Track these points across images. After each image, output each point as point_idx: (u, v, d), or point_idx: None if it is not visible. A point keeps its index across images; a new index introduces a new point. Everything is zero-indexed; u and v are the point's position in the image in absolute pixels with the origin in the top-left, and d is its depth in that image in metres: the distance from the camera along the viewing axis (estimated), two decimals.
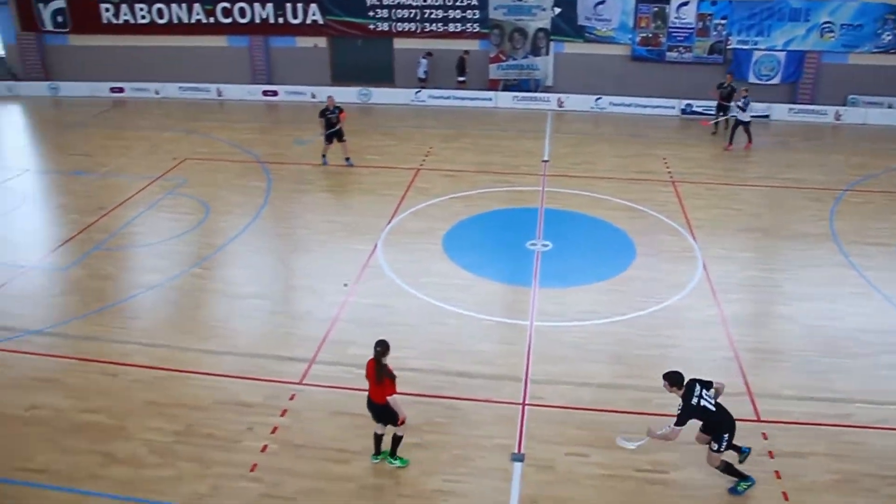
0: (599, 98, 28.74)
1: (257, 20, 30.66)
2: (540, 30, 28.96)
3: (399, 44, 30.43)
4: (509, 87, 29.88)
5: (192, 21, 31.23)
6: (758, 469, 10.28)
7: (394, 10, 29.66)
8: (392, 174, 21.71)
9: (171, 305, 15.36)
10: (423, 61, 29.69)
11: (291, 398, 12.01)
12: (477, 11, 29.10)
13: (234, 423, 11.53)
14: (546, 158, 23.21)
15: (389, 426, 10.39)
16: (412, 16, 29.55)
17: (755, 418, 11.49)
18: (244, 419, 11.56)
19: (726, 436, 9.68)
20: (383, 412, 10.22)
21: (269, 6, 30.31)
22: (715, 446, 9.73)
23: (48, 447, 11.21)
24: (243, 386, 12.39)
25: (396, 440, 10.49)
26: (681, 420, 9.40)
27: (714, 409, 9.53)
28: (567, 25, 28.80)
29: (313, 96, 29.80)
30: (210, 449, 10.99)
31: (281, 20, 30.47)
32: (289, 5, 30.20)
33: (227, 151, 24.30)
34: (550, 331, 13.83)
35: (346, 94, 29.66)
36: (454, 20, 29.38)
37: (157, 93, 32.05)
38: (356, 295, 15.07)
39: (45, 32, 33.18)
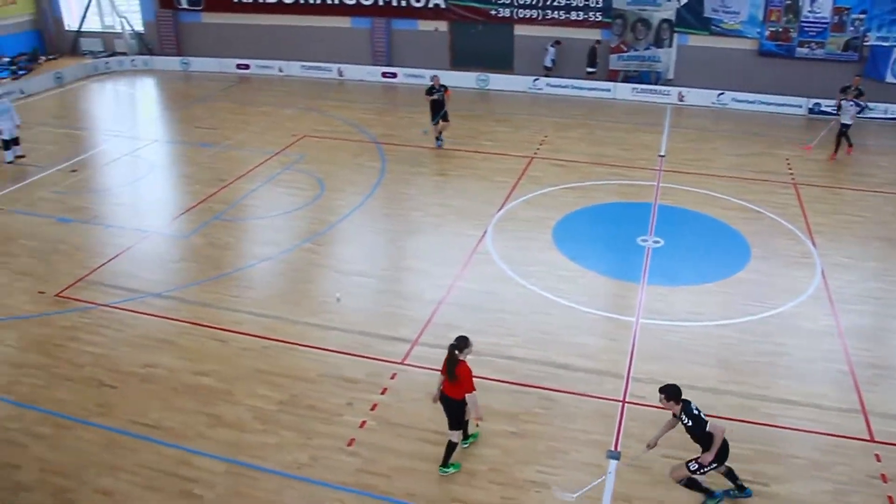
0: (722, 94, 27.86)
1: (381, 2, 31.10)
2: (664, 21, 28.28)
3: (520, 30, 30.28)
4: (629, 78, 29.36)
5: (318, 1, 31.93)
6: (869, 492, 9.88)
7: None
8: (505, 161, 21.71)
9: (282, 278, 15.86)
10: (551, 49, 29.40)
11: (393, 377, 12.25)
12: (600, 0, 28.65)
13: (336, 396, 11.85)
14: (662, 153, 22.73)
15: (450, 430, 10.23)
16: (534, 2, 29.33)
17: (868, 438, 10.98)
18: (346, 394, 11.86)
19: (715, 464, 9.24)
20: (454, 409, 10.08)
21: None
22: (694, 467, 9.31)
23: (160, 404, 11.81)
24: (347, 361, 12.70)
25: (450, 448, 10.27)
26: (703, 436, 9.12)
27: (707, 418, 9.26)
28: (692, 17, 28.01)
29: (432, 79, 29.98)
30: (311, 420, 11.34)
31: (404, 3, 30.80)
32: None
33: (345, 130, 24.81)
34: (656, 329, 13.60)
35: (463, 79, 29.85)
36: (577, 8, 29.00)
37: (280, 70, 32.99)
38: (463, 280, 15.19)
39: (180, 10, 34.64)
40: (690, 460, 9.35)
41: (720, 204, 18.88)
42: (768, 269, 15.77)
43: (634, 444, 10.72)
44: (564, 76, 29.45)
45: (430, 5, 30.54)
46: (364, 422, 11.21)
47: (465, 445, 10.78)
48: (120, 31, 36.36)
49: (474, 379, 9.86)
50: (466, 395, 9.80)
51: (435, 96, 22.47)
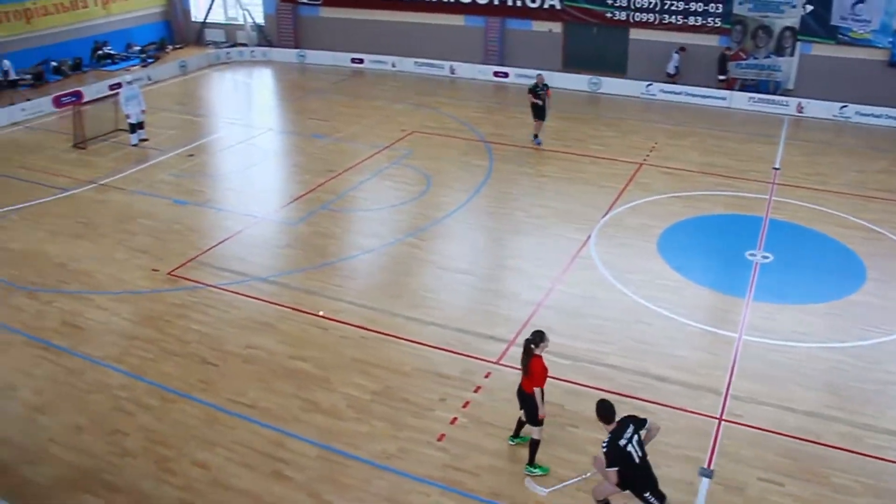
0: (845, 106, 26.65)
1: (496, 1, 31.11)
2: (787, 28, 27.30)
3: (635, 34, 29.77)
4: (746, 87, 28.48)
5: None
6: None
7: (634, 0, 29.04)
8: (613, 166, 21.41)
9: (384, 270, 16.08)
10: (675, 56, 28.68)
11: (487, 376, 12.26)
12: (720, 5, 27.84)
13: (429, 391, 11.94)
14: (777, 166, 21.95)
15: (528, 427, 10.22)
16: (651, 6, 28.77)
17: None
18: (439, 389, 11.94)
19: (647, 494, 8.63)
20: (526, 403, 10.08)
21: None
22: (600, 499, 9.03)
23: (259, 385, 12.17)
24: (443, 357, 12.79)
25: (533, 445, 10.21)
26: (610, 461, 8.44)
27: (638, 461, 8.52)
28: (818, 25, 26.88)
29: (535, 78, 29.85)
30: (404, 413, 11.46)
31: (519, 3, 30.74)
32: None
33: (454, 128, 24.96)
34: (759, 347, 13.15)
35: (575, 81, 29.58)
36: (695, 13, 28.30)
37: (393, 66, 33.44)
38: (563, 283, 15.07)
39: (300, 4, 35.55)
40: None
41: (836, 222, 18.10)
42: (885, 293, 15.02)
43: (728, 463, 10.43)
44: (689, 83, 28.66)
45: (546, 6, 30.37)
46: (455, 418, 11.27)
47: (512, 443, 10.76)
48: (242, 22, 37.62)
49: (564, 383, 9.78)
50: (535, 389, 9.84)
51: (538, 97, 22.49)
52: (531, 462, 10.28)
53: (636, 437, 8.57)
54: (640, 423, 8.69)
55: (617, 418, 8.65)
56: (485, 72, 31.64)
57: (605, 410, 8.67)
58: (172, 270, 15.97)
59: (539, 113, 22.87)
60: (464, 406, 11.58)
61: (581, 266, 15.79)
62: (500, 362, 12.59)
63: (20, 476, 10.49)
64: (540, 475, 10.23)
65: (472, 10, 31.75)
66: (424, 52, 32.94)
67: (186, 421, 11.44)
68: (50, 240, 17.59)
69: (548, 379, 10.16)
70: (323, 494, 9.99)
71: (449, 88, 30.75)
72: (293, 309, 14.38)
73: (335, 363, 12.74)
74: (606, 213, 18.21)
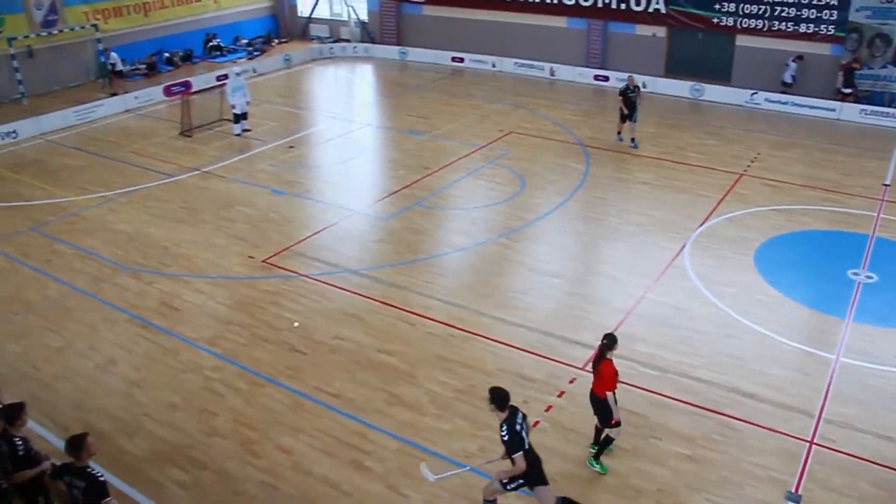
0: None
1: (599, 4, 30.75)
2: None
3: (742, 41, 28.93)
4: (858, 98, 27.34)
5: (536, 0, 32.07)
6: None
7: (742, 5, 28.13)
8: (712, 175, 20.88)
9: (474, 269, 16.12)
10: (793, 65, 27.61)
11: (571, 381, 12.15)
12: (835, 12, 26.73)
13: (512, 392, 11.67)
14: (888, 182, 20.97)
15: (604, 425, 10.25)
16: (760, 12, 27.88)
17: None
18: (522, 391, 11.89)
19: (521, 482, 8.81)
20: (599, 407, 10.07)
21: None
22: (505, 480, 8.93)
23: (345, 376, 12.38)
24: (528, 359, 12.74)
25: (606, 441, 10.28)
26: (513, 447, 8.52)
27: (528, 447, 8.69)
28: None
29: (644, 86, 29.38)
30: (485, 412, 11.34)
31: (623, 6, 30.29)
32: None
33: (551, 130, 24.81)
34: (857, 370, 12.61)
35: (677, 87, 29.02)
36: (807, 20, 27.27)
37: (493, 66, 33.45)
38: (654, 292, 14.80)
39: (403, 2, 35.93)
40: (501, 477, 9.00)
41: None
42: None
43: (817, 489, 10.06)
44: (805, 94, 27.62)
45: (650, 10, 29.83)
46: (537, 422, 11.21)
47: (594, 450, 10.62)
48: (346, 19, 38.28)
49: (650, 394, 9.60)
50: (607, 394, 9.85)
51: (629, 95, 22.49)
52: (597, 457, 10.33)
53: (526, 424, 8.77)
54: (523, 414, 8.87)
55: None
56: (585, 74, 31.32)
57: (500, 397, 8.71)
58: (267, 258, 16.40)
59: (630, 115, 22.77)
60: (546, 410, 11.52)
61: (673, 276, 15.47)
62: (586, 368, 12.43)
63: (117, 446, 10.97)
64: (599, 472, 10.27)
65: (575, 11, 31.46)
66: (525, 53, 32.86)
67: (273, 406, 11.74)
68: (154, 223, 18.32)
69: (625, 386, 10.00)
70: (400, 487, 10.10)
71: (548, 90, 30.57)
72: (382, 303, 14.56)
73: (420, 359, 12.85)
74: (703, 224, 17.78)
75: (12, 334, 13.95)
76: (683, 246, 16.67)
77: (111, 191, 20.41)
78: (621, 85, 23.34)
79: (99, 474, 7.95)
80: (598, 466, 10.36)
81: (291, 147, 23.61)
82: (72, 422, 11.41)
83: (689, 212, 18.40)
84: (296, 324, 14.06)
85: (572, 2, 31.29)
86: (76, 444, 7.98)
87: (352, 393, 11.97)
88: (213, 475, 10.39)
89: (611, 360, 9.92)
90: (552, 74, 32.05)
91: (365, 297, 14.84)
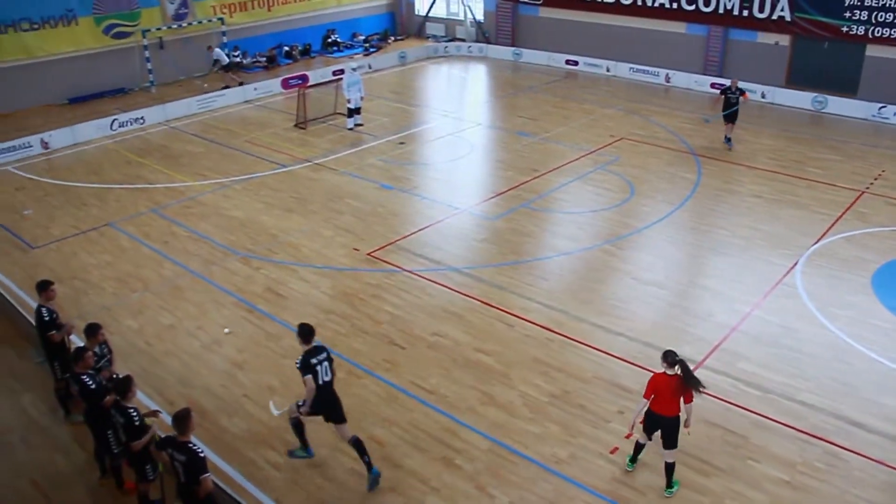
0: None
1: (721, 10, 29.90)
2: None
3: (873, 51, 27.53)
4: None
5: (655, 4, 31.46)
6: None
7: (876, 13, 26.69)
8: (830, 192, 20.03)
9: (576, 275, 15.96)
10: None
11: None
12: None
13: (607, 402, 11.75)
14: None
15: (669, 451, 9.89)
16: None
17: None
18: (618, 402, 11.72)
19: (313, 404, 9.78)
20: (672, 427, 9.78)
21: None
22: (300, 403, 9.94)
23: (440, 373, 12.47)
24: (625, 369, 12.54)
25: (670, 469, 9.98)
26: (303, 371, 9.64)
27: (322, 382, 9.73)
28: None
29: (763, 96, 28.50)
30: (578, 419, 11.35)
31: (745, 12, 29.35)
32: None
33: (664, 138, 24.32)
34: None
35: (798, 99, 27.99)
36: None
37: (608, 70, 33.02)
38: (762, 309, 14.32)
39: (520, 3, 35.86)
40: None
41: None
42: None
43: None
44: None
45: (774, 17, 28.76)
46: (629, 434, 11.01)
47: (630, 469, 10.46)
48: (462, 18, 38.48)
49: (751, 414, 9.27)
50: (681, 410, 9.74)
51: (729, 97, 22.72)
52: (669, 484, 10.07)
53: (328, 364, 9.90)
54: (330, 359, 9.94)
55: None
56: (702, 82, 30.51)
57: (305, 331, 9.93)
58: (372, 252, 16.67)
59: (731, 116, 22.89)
60: (641, 422, 11.28)
61: (783, 294, 14.92)
62: None
63: (218, 424, 11.38)
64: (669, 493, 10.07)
65: (696, 17, 30.69)
66: (641, 58, 32.29)
67: (368, 397, 11.94)
68: (265, 211, 18.89)
69: (731, 406, 9.73)
70: (488, 487, 10.10)
71: (662, 97, 29.96)
72: (482, 302, 14.60)
73: (517, 360, 12.82)
74: (817, 241, 17.08)
75: (130, 310, 14.65)
76: (795, 263, 16.06)
77: (227, 178, 21.17)
78: (724, 85, 23.82)
79: (199, 450, 8.28)
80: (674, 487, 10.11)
81: (402, 143, 23.93)
82: (177, 397, 11.92)
83: (803, 228, 17.72)
84: (226, 330, 13.95)
85: (693, 7, 30.55)
86: (181, 419, 8.34)
87: (446, 390, 12.05)
88: (306, 460, 10.63)
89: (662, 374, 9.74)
90: (667, 81, 31.40)
91: (466, 295, 14.91)
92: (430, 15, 39.80)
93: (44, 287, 11.35)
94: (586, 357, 12.91)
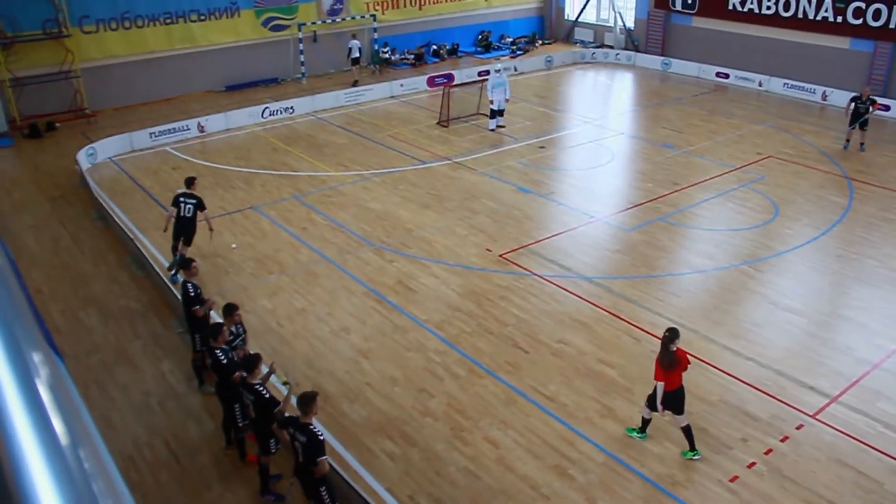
0: None
1: (892, 25, 28.17)
2: None
3: None
4: None
5: (818, 18, 30.01)
6: None
7: None
8: None
9: (710, 294, 15.49)
10: None
11: (798, 427, 11.37)
12: None
13: (731, 428, 11.36)
14: None
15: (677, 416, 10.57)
16: None
17: None
18: (743, 429, 11.31)
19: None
20: (680, 398, 10.48)
21: None
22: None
23: (562, 380, 12.38)
24: (754, 396, 12.07)
25: (686, 432, 10.62)
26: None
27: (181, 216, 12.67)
28: None
29: (862, 91, 26.73)
30: (699, 443, 11.00)
31: None
32: None
33: (815, 158, 23.21)
34: None
35: None
36: None
37: (760, 85, 31.77)
38: None
39: (673, 12, 35.05)
40: None
41: None
42: None
43: None
44: None
45: None
46: (753, 463, 10.62)
47: (639, 435, 11.02)
48: (612, 25, 37.97)
49: (889, 458, 8.74)
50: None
51: (858, 106, 23.06)
52: (691, 447, 10.67)
53: (190, 205, 14.35)
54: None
55: None
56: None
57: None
58: (504, 253, 16.73)
59: (860, 123, 23.25)
60: (766, 452, 10.85)
61: None
62: (816, 417, 11.60)
63: (339, 409, 11.72)
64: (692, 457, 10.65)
65: (863, 32, 29.01)
66: (797, 74, 30.87)
67: (487, 397, 11.99)
68: (402, 205, 19.28)
69: (866, 447, 9.16)
70: (598, 501, 9.97)
71: (817, 116, 28.55)
72: (610, 313, 14.39)
73: (640, 376, 12.55)
74: None
75: (266, 291, 15.29)
76: None
77: (367, 170, 21.74)
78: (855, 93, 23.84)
79: (319, 433, 8.55)
80: (690, 454, 10.68)
81: (542, 147, 23.88)
82: (303, 378, 12.34)
83: None
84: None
85: (860, 21, 28.95)
86: (307, 401, 8.65)
87: (566, 398, 11.96)
88: (421, 453, 10.81)
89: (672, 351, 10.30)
90: (824, 99, 29.89)
91: (594, 305, 14.73)
92: (579, 20, 39.50)
93: (185, 265, 12.10)
94: (713, 379, 12.52)
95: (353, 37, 32.10)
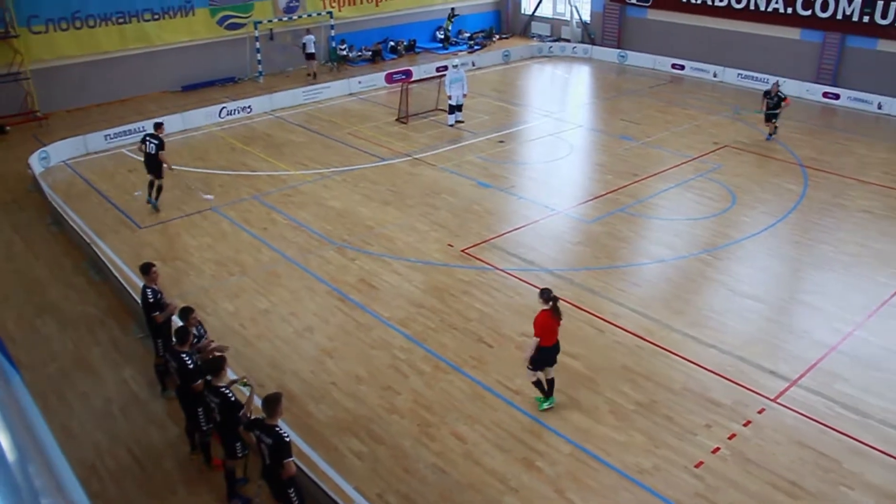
0: None
1: (839, 16, 28.63)
2: None
3: None
4: None
5: (769, 9, 30.45)
6: None
7: None
8: None
9: (671, 283, 15.65)
10: None
11: (760, 412, 11.55)
12: None
13: (695, 414, 11.50)
14: None
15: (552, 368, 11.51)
16: None
17: None
18: (706, 415, 11.46)
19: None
20: (557, 352, 11.47)
21: (857, 1, 27.98)
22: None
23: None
24: (716, 383, 12.24)
25: (552, 382, 11.60)
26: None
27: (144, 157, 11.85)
28: None
29: (879, 107, 27.30)
30: (664, 430, 11.15)
31: (866, 18, 28.06)
32: (880, 3, 27.38)
33: (769, 147, 23.56)
34: None
35: None
36: None
37: (714, 76, 32.18)
38: (865, 330, 13.73)
39: (629, 4, 35.33)
40: None
41: None
42: None
43: None
44: None
45: None
46: (718, 448, 10.77)
47: (547, 402, 11.66)
48: (568, 19, 38.16)
49: (848, 439, 8.91)
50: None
51: (768, 101, 23.52)
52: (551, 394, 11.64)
53: (153, 144, 16.92)
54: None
55: None
56: (813, 91, 29.38)
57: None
58: (466, 248, 16.74)
59: (769, 117, 23.83)
60: (729, 437, 11.01)
61: (889, 315, 14.27)
62: (777, 400, 11.80)
63: (305, 410, 11.66)
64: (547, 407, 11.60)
65: (812, 23, 29.50)
66: (750, 64, 31.33)
67: (453, 392, 12.01)
68: (363, 202, 19.21)
69: (826, 428, 9.33)
70: (567, 492, 10.04)
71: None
72: (573, 305, 14.46)
73: (605, 366, 12.67)
74: None
75: (228, 293, 15.14)
76: None
77: (327, 168, 21.62)
78: (766, 88, 24.64)
79: (285, 434, 8.50)
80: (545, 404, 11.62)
81: (501, 142, 23.93)
82: (267, 380, 12.25)
83: None
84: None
85: (809, 12, 29.39)
86: (271, 403, 8.59)
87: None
88: (388, 450, 10.79)
89: (542, 312, 11.02)
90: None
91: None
92: (535, 14, 39.65)
93: (146, 270, 11.91)
94: (676, 367, 12.66)
95: (308, 32, 31.95)
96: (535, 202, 19.30)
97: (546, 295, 11.07)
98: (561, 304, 11.33)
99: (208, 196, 18.84)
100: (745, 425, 11.26)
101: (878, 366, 12.69)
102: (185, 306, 11.10)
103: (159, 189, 18.70)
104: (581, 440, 10.98)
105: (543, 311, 11.04)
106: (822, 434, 11.02)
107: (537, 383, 11.49)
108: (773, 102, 23.40)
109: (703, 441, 10.93)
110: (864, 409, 11.63)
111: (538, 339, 10.99)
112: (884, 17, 27.56)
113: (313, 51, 31.37)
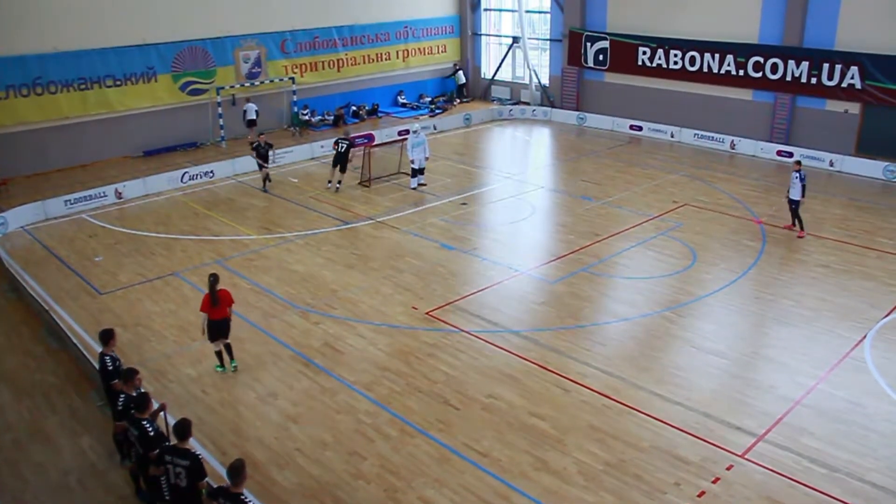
0: None
1: (788, 78, 29.60)
2: None
3: None
4: None
5: (722, 72, 31.37)
6: None
7: None
8: None
9: (635, 341, 15.71)
10: None
11: (728, 468, 11.52)
12: None
13: (664, 472, 11.44)
14: None
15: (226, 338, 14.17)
16: None
17: None
18: (675, 473, 11.40)
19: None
20: (227, 325, 14.19)
21: (805, 65, 28.97)
22: None
23: (494, 435, 12.32)
24: (683, 440, 12.21)
25: (230, 348, 14.37)
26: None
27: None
28: None
29: (831, 164, 28.04)
30: (634, 490, 11.06)
31: (814, 80, 28.99)
32: (826, 65, 28.39)
33: (728, 204, 24.01)
34: None
35: (868, 168, 27.42)
36: None
37: (672, 136, 32.92)
38: (828, 383, 13.85)
39: (586, 68, 36.18)
40: None
41: None
42: None
43: None
44: None
45: (844, 85, 28.29)
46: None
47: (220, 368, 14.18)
48: (528, 82, 38.91)
49: (816, 493, 8.89)
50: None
51: (260, 150, 25.53)
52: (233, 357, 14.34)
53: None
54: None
55: None
56: (767, 150, 30.14)
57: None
58: (430, 311, 16.70)
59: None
60: (699, 495, 10.95)
61: (851, 368, 14.44)
62: (745, 456, 11.78)
63: (268, 476, 11.39)
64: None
65: (763, 84, 30.42)
66: (705, 125, 32.13)
67: (420, 457, 11.83)
68: (326, 266, 19.14)
69: (794, 483, 9.29)
70: None
71: (727, 164, 29.62)
72: (539, 366, 14.44)
73: (572, 426, 12.60)
74: (888, 315, 16.53)
75: (190, 359, 14.90)
76: (864, 336, 15.56)
77: (290, 232, 21.57)
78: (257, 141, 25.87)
79: (250, 501, 8.29)
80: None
81: (464, 204, 24.10)
82: (230, 447, 11.99)
83: (873, 300, 17.19)
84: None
85: (759, 74, 30.34)
86: (236, 470, 8.41)
87: (499, 453, 11.88)
88: None
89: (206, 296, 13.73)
90: (732, 148, 31.10)
91: (522, 358, 14.77)
92: (495, 78, 40.37)
93: (106, 337, 11.73)
94: (643, 426, 12.62)
95: (248, 100, 32.28)
96: (498, 263, 19.38)
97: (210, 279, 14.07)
98: (523, 363, 11.26)
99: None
100: (714, 482, 11.21)
101: (842, 418, 12.77)
102: (129, 368, 11.08)
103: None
104: (551, 502, 10.84)
105: (206, 295, 13.98)
106: (790, 489, 11.00)
107: (218, 353, 14.28)
108: (265, 151, 25.53)
109: (672, 499, 10.85)
110: (830, 462, 11.66)
111: (205, 315, 13.89)
112: (830, 78, 28.50)
113: (254, 118, 31.63)
